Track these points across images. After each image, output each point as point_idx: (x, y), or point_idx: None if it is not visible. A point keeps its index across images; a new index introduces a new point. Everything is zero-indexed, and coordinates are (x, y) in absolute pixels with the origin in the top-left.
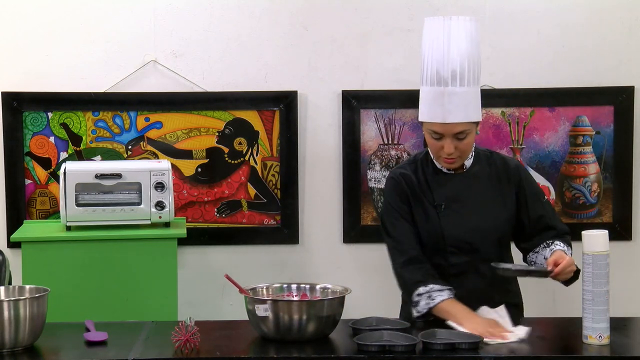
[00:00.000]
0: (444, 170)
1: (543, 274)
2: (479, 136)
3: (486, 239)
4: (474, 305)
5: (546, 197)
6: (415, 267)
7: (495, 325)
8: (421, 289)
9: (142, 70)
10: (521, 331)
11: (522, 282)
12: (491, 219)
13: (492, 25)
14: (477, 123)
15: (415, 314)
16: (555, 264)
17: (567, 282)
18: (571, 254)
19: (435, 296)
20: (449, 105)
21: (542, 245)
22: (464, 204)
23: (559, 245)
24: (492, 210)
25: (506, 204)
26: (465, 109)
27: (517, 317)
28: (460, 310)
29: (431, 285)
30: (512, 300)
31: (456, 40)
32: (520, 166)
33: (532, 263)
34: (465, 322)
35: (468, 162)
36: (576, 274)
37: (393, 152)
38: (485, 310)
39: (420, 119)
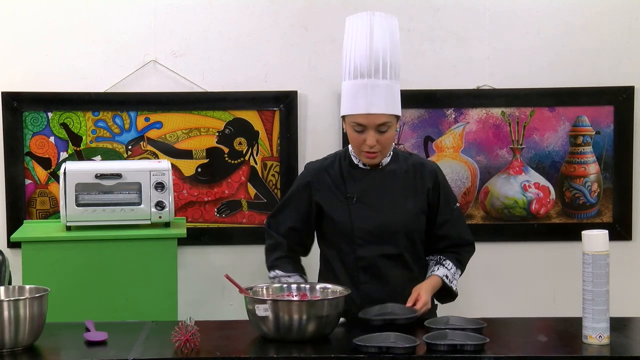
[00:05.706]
0: (361, 165)
1: (411, 318)
2: (478, 135)
3: (395, 233)
4: (383, 297)
5: (458, 204)
6: (275, 253)
7: None
8: (271, 274)
9: (142, 70)
10: None
11: (522, 281)
12: (400, 213)
13: (492, 25)
14: (397, 118)
15: None
16: (416, 302)
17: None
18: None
19: (283, 282)
20: (372, 97)
21: (435, 259)
22: (375, 198)
23: (442, 269)
24: (402, 205)
25: (417, 200)
26: (387, 101)
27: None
28: None
29: (277, 272)
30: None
31: (380, 34)
32: (437, 169)
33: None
34: None
35: (385, 160)
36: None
37: None
38: None
39: (342, 113)
